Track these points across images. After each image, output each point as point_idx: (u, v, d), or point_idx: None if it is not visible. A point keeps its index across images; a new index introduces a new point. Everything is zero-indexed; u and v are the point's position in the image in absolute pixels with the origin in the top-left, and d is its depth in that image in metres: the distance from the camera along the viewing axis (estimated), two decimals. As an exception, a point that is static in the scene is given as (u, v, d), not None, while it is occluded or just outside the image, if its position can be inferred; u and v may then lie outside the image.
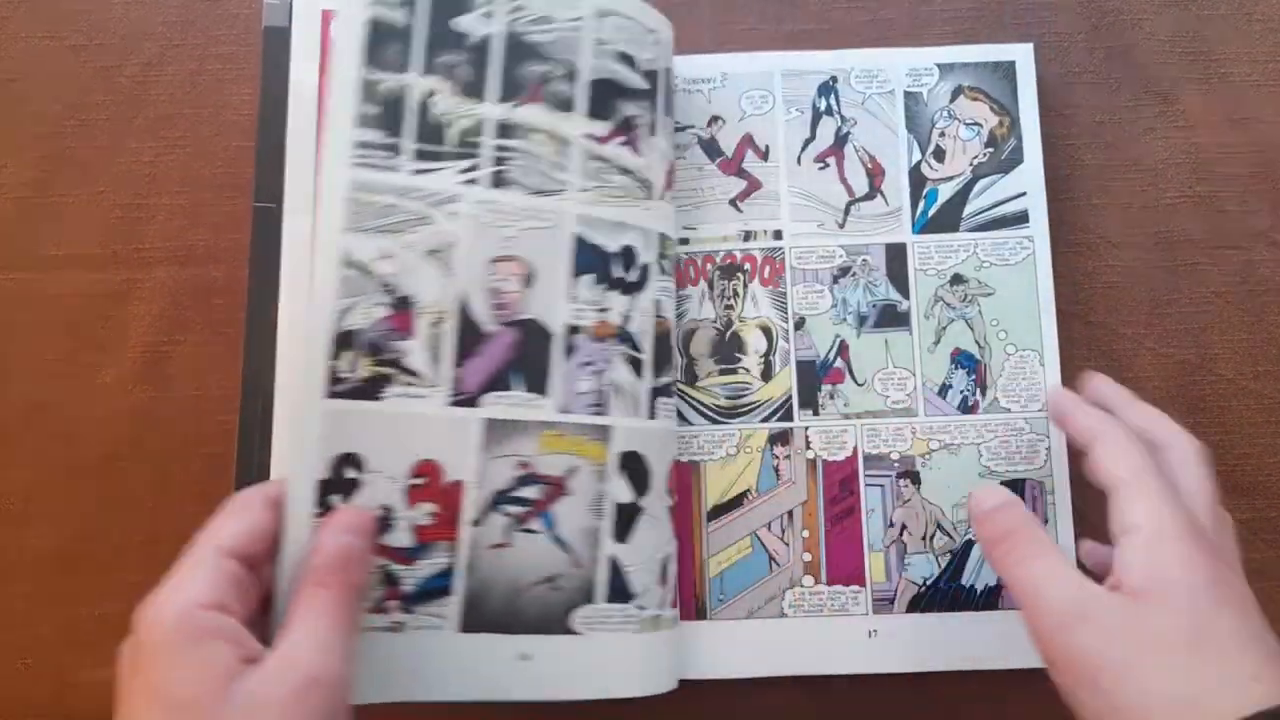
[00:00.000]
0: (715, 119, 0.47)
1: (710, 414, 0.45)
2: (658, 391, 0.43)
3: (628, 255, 0.42)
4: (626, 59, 0.42)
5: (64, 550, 0.46)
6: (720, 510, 0.45)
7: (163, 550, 0.45)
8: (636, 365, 0.42)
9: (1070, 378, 0.46)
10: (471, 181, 0.40)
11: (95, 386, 0.47)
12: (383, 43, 0.39)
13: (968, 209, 0.46)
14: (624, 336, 0.42)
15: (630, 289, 0.42)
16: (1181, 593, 0.32)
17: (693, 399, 0.45)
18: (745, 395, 0.46)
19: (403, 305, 0.39)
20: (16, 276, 0.47)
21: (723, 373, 0.46)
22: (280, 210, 0.43)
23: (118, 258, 0.47)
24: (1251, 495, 0.46)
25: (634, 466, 0.42)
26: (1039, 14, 0.49)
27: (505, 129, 0.41)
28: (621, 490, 0.41)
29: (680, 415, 0.45)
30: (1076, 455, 0.45)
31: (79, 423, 0.46)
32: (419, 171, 0.40)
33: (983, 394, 0.45)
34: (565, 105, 0.41)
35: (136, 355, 0.47)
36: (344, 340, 0.38)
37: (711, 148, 0.47)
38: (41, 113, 0.48)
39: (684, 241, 0.46)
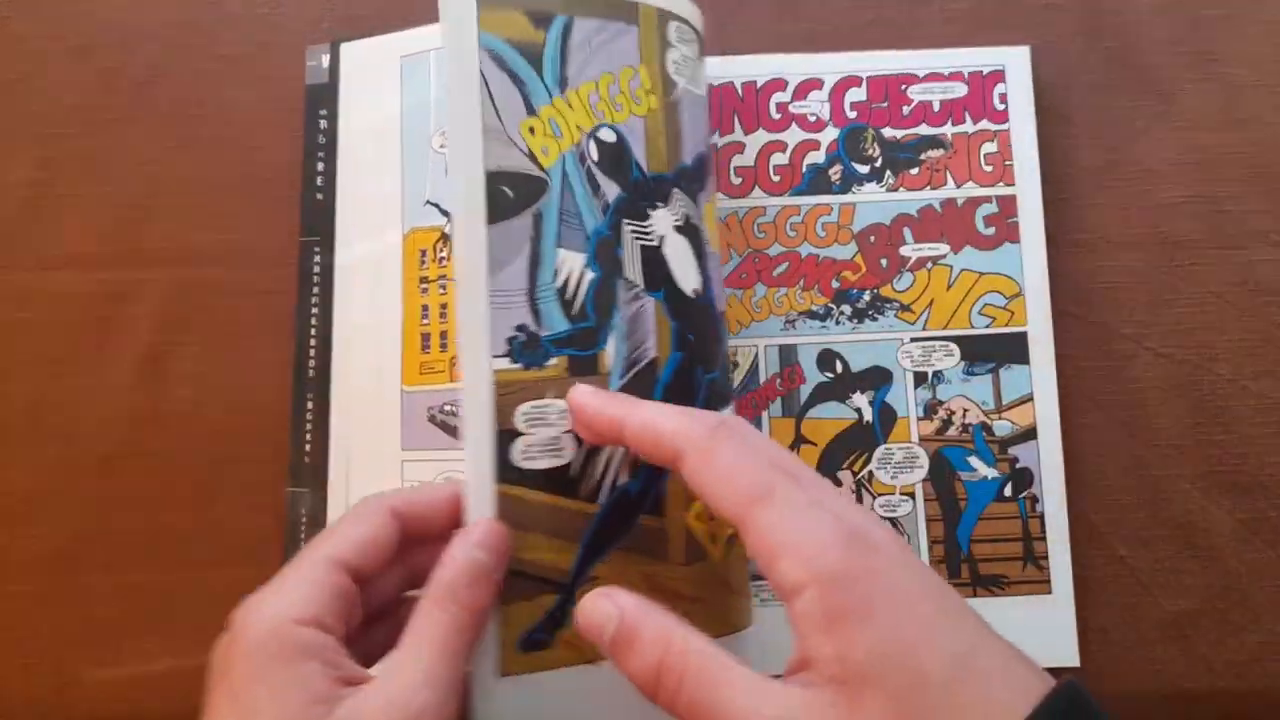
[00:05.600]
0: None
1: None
2: None
3: None
4: None
5: (64, 550, 0.46)
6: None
7: (163, 550, 0.46)
8: None
9: (1070, 378, 0.46)
10: None
11: (95, 386, 0.47)
12: None
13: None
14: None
15: None
16: (878, 663, 0.26)
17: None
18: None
19: None
20: (16, 276, 0.47)
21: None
22: (325, 244, 0.47)
23: (118, 258, 0.47)
24: (1252, 495, 0.46)
25: None
26: (1038, 14, 0.49)
27: None
28: None
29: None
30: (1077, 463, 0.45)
31: (79, 423, 0.46)
32: None
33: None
34: None
35: (136, 355, 0.47)
36: None
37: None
38: (43, 113, 0.49)
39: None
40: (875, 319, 0.46)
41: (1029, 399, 0.45)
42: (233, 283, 0.47)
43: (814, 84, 0.48)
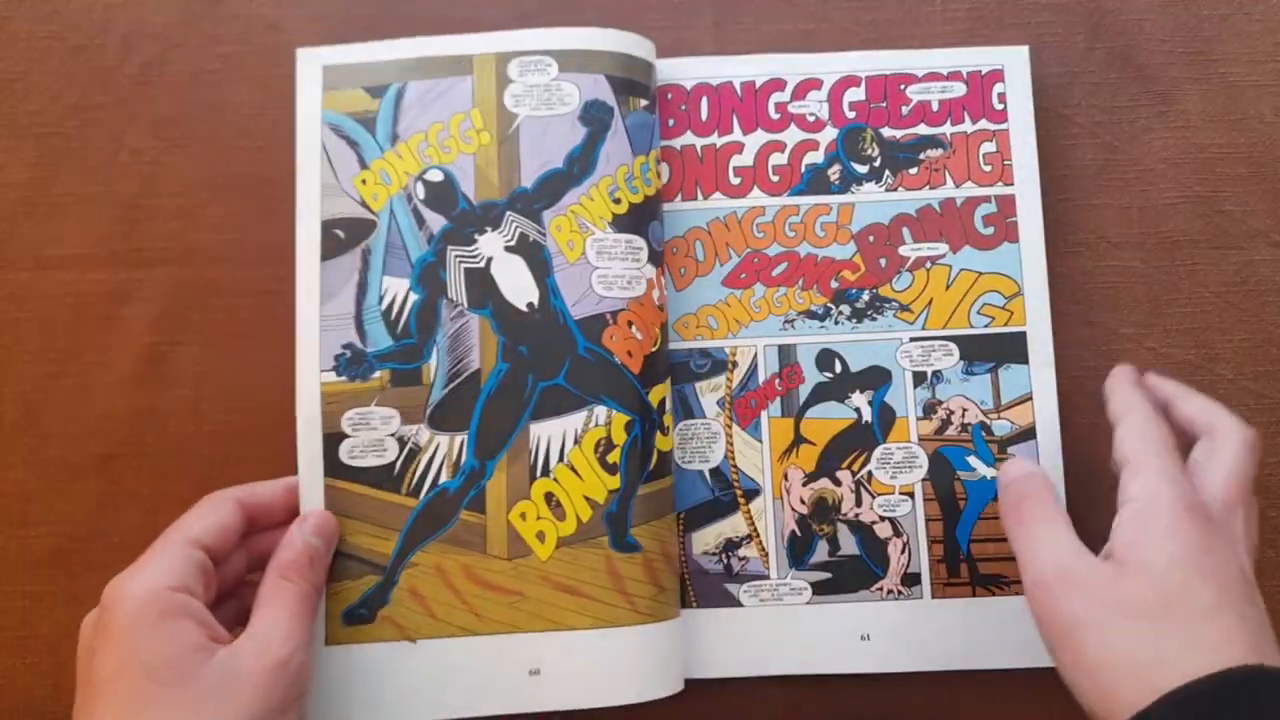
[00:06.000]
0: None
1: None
2: None
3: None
4: None
5: (64, 550, 0.46)
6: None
7: (162, 550, 0.46)
8: None
9: (1068, 378, 0.46)
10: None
11: (95, 386, 0.47)
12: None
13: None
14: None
15: None
16: (1159, 561, 0.33)
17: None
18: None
19: None
20: (16, 276, 0.47)
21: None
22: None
23: (118, 258, 0.47)
24: (1251, 495, 0.46)
25: None
26: (1038, 14, 0.49)
27: None
28: None
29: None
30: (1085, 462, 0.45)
31: (79, 423, 0.46)
32: None
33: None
34: None
35: (136, 355, 0.47)
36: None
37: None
38: (42, 112, 0.49)
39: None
40: (874, 319, 0.46)
41: (1028, 399, 0.45)
42: (233, 283, 0.47)
43: (813, 84, 0.48)
